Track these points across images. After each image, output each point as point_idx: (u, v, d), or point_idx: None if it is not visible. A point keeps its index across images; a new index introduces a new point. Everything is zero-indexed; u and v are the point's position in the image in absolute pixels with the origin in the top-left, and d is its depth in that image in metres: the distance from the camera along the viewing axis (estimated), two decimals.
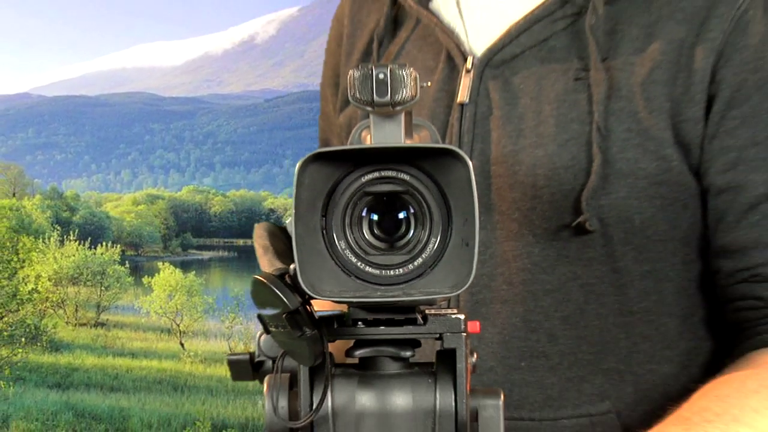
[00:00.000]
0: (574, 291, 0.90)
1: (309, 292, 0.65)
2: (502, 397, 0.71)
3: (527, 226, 0.90)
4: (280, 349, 0.72)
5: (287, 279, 0.67)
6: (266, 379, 0.73)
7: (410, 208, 0.68)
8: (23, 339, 11.03)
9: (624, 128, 0.87)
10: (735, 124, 0.86)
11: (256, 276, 0.67)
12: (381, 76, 0.64)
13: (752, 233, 0.86)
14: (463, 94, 0.93)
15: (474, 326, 0.73)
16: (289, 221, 0.67)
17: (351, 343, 0.72)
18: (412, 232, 0.68)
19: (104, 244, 31.42)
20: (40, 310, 21.39)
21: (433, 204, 0.67)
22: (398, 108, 0.65)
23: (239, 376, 0.78)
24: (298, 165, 0.65)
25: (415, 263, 0.67)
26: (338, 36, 1.11)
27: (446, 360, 0.71)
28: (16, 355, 10.79)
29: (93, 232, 56.15)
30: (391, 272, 0.67)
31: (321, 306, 0.68)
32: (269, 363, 0.76)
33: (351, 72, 0.63)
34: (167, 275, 24.48)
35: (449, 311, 0.72)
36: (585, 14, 0.89)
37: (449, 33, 0.96)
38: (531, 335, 0.91)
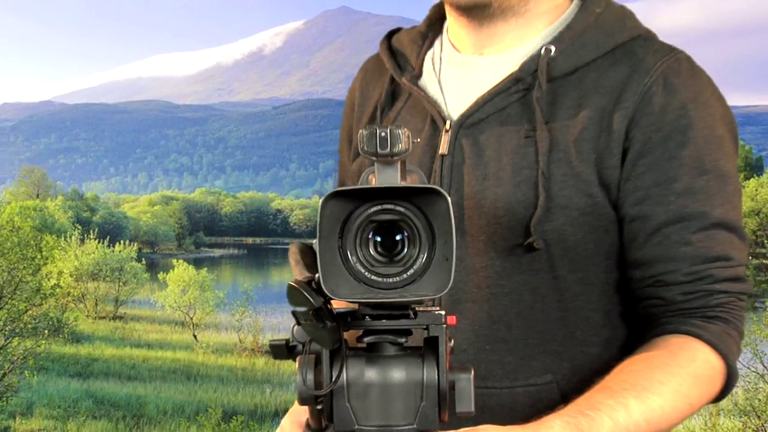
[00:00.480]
0: (525, 293, 1.10)
1: (329, 295, 0.83)
2: (472, 372, 0.88)
3: (491, 245, 1.10)
4: (308, 336, 0.91)
5: (313, 285, 0.84)
6: (298, 358, 0.92)
7: (404, 232, 0.84)
8: (46, 331, 11.02)
9: (561, 173, 1.07)
10: (642, 170, 1.07)
11: (291, 282, 0.84)
12: (383, 134, 0.81)
13: (655, 251, 1.07)
14: (443, 148, 1.14)
15: (452, 320, 0.90)
16: (314, 242, 0.86)
17: (360, 332, 0.89)
18: (405, 250, 0.85)
19: (122, 242, 31.42)
20: (62, 304, 21.39)
21: (422, 229, 0.84)
22: (395, 158, 0.82)
23: (278, 356, 0.96)
24: (321, 200, 0.83)
25: (408, 273, 0.84)
26: (351, 104, 1.33)
27: (431, 345, 0.88)
28: (39, 346, 10.78)
29: (111, 231, 56.14)
30: (390, 280, 0.84)
31: (338, 305, 0.86)
32: (300, 347, 0.94)
33: (360, 131, 0.81)
34: (181, 271, 24.49)
35: (433, 309, 0.89)
36: (533, 89, 1.10)
37: (433, 103, 1.17)
38: (494, 326, 1.11)
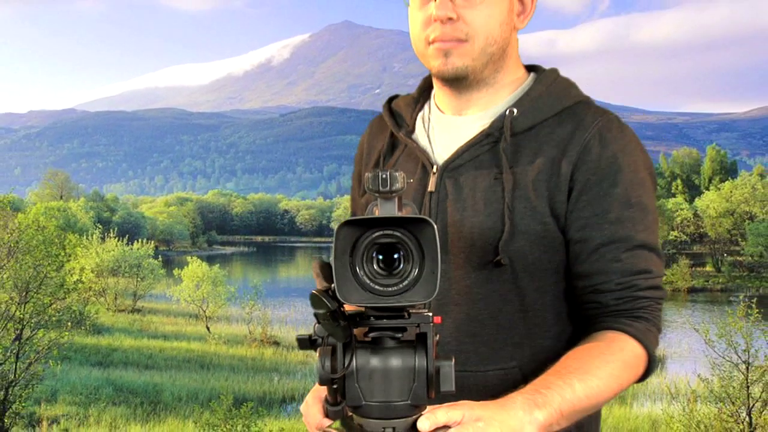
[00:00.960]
0: (495, 299, 1.30)
1: (342, 300, 1.00)
2: (453, 360, 1.05)
3: (468, 261, 1.30)
4: (326, 332, 1.06)
5: (329, 293, 1.02)
6: (318, 349, 1.07)
7: (401, 252, 1.01)
8: (69, 323, 11.00)
9: (522, 206, 1.28)
10: (583, 204, 1.28)
11: (313, 291, 1.02)
12: (384, 176, 1.00)
13: (594, 266, 1.28)
14: (431, 187, 1.35)
15: (437, 319, 1.06)
16: (330, 259, 1.02)
17: (366, 329, 1.07)
18: (401, 265, 1.01)
19: (140, 240, 31.45)
20: (84, 298, 21.34)
21: (414, 249, 1.01)
22: (393, 194, 1.01)
23: (302, 347, 1.09)
24: (337, 227, 1.00)
25: (403, 284, 1.01)
26: (361, 153, 1.53)
27: (421, 339, 1.05)
28: (63, 337, 10.77)
29: (130, 230, 56.14)
30: (390, 289, 1.01)
31: (349, 308, 1.03)
32: (320, 340, 1.07)
33: (367, 174, 1.01)
34: (195, 267, 24.50)
35: (423, 311, 1.05)
36: (500, 142, 1.31)
37: (423, 152, 1.38)
38: (471, 324, 1.31)
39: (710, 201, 52.68)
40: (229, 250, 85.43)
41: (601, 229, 1.27)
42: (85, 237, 29.58)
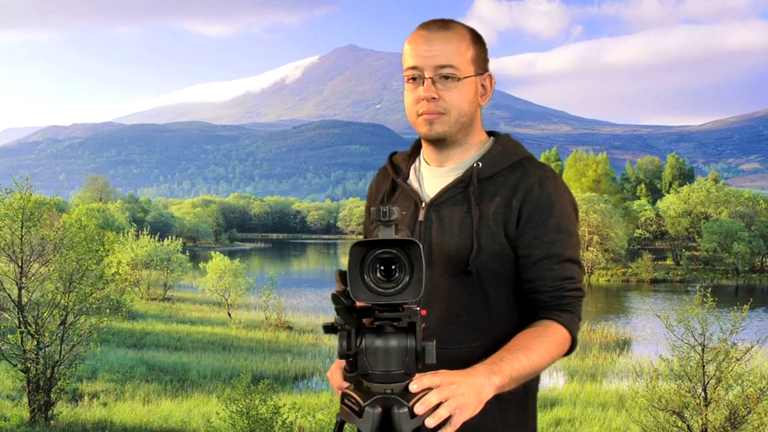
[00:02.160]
0: (466, 298, 1.55)
1: (354, 299, 1.26)
2: (434, 342, 1.29)
3: (447, 271, 1.55)
4: (343, 321, 1.29)
5: (345, 293, 1.27)
6: (338, 333, 1.30)
7: (396, 264, 1.25)
8: (107, 310, 10.98)
9: (485, 232, 1.54)
10: (527, 230, 1.54)
11: (333, 292, 1.29)
12: (384, 210, 1.27)
13: (535, 274, 1.54)
14: (421, 217, 1.61)
15: (424, 312, 1.32)
16: (346, 269, 1.27)
17: (372, 319, 1.29)
18: (397, 274, 1.25)
19: (169, 237, 31.43)
20: (120, 288, 21.37)
21: (406, 262, 1.24)
22: (391, 222, 1.27)
23: (327, 332, 1.32)
24: (351, 246, 1.25)
25: (398, 287, 1.25)
26: (371, 193, 1.81)
27: (411, 326, 1.29)
28: (102, 322, 10.75)
29: (161, 229, 56.09)
30: (388, 291, 1.25)
31: (359, 305, 1.29)
32: (339, 327, 1.30)
33: (372, 208, 1.30)
34: (218, 261, 24.49)
35: (414, 306, 1.29)
36: (469, 186, 1.58)
37: (415, 193, 1.65)
38: (449, 315, 1.56)
39: (670, 203, 52.65)
40: (248, 246, 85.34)
41: (540, 248, 1.53)
42: (121, 234, 29.55)
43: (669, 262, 50.60)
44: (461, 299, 1.55)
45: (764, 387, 7.21)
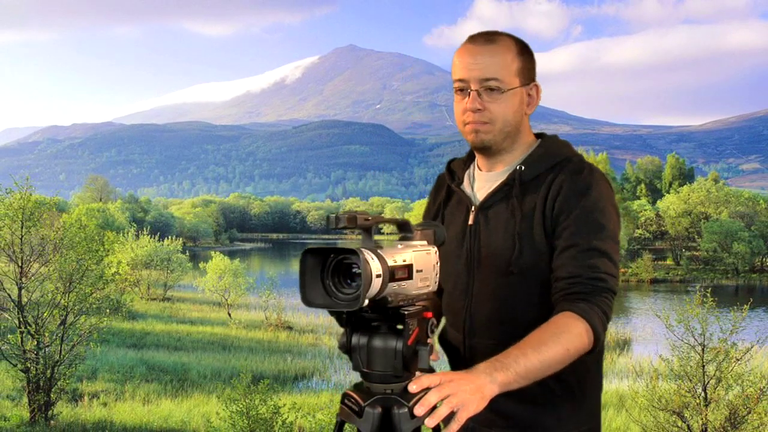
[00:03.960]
0: (512, 297, 1.61)
1: (306, 304, 1.24)
2: (430, 345, 1.32)
3: (493, 270, 1.63)
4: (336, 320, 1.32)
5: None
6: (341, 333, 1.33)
7: (353, 269, 1.23)
8: (107, 310, 10.98)
9: (526, 233, 1.59)
10: (557, 223, 1.57)
11: None
12: (332, 217, 1.24)
13: (558, 262, 1.55)
14: (471, 221, 1.70)
15: (428, 315, 1.33)
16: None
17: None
18: (357, 280, 1.23)
19: (170, 237, 31.43)
20: (120, 288, 21.39)
21: (358, 267, 1.21)
22: (338, 230, 1.26)
23: (341, 325, 1.33)
24: (303, 253, 1.23)
25: (356, 292, 1.21)
26: (431, 198, 1.89)
27: (397, 329, 1.31)
28: (102, 322, 10.75)
29: (161, 229, 56.08)
30: (346, 296, 1.23)
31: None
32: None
33: (328, 215, 1.26)
34: (218, 261, 24.49)
35: (411, 309, 1.30)
36: (513, 189, 1.64)
37: (467, 197, 1.73)
38: (495, 314, 1.63)
39: (670, 203, 52.64)
40: (248, 246, 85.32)
41: (564, 238, 1.55)
42: (121, 234, 29.55)
43: (669, 262, 50.58)
44: (507, 298, 1.62)
45: (764, 387, 7.21)
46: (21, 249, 10.59)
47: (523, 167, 1.66)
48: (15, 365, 10.04)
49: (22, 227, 10.55)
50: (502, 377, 1.34)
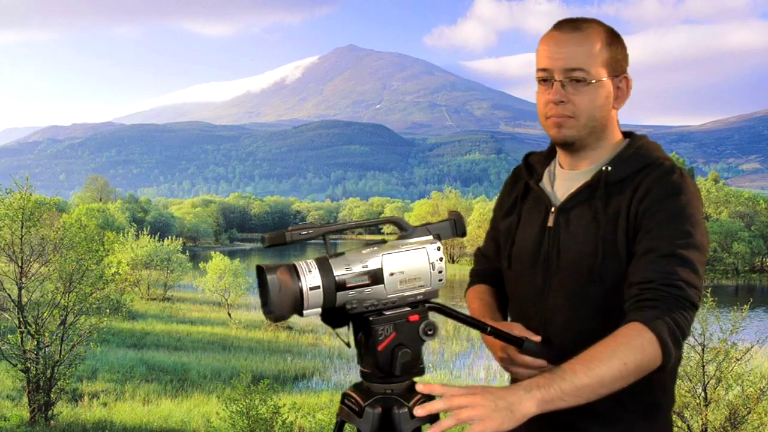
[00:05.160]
0: (592, 305, 1.51)
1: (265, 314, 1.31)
2: (403, 351, 1.26)
3: (573, 277, 1.53)
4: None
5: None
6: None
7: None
8: (107, 310, 10.98)
9: (610, 239, 1.48)
10: (641, 228, 1.45)
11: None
12: (264, 236, 1.30)
13: (633, 268, 1.44)
14: (550, 222, 1.58)
15: (415, 318, 1.27)
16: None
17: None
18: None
19: (170, 237, 31.42)
20: (120, 288, 21.38)
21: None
22: (267, 247, 1.29)
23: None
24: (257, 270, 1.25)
25: (269, 307, 1.23)
26: (504, 193, 1.77)
27: (371, 338, 1.30)
28: (102, 322, 10.75)
29: (161, 229, 56.07)
30: (265, 310, 1.26)
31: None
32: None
33: (263, 235, 1.30)
34: (218, 261, 24.48)
35: (398, 312, 1.28)
36: (597, 190, 1.53)
37: (546, 196, 1.62)
38: (573, 322, 1.53)
39: None
40: (248, 246, 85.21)
41: (643, 243, 1.44)
42: (121, 234, 29.54)
43: None
44: (587, 307, 1.50)
45: (764, 387, 7.21)
46: (21, 249, 10.58)
47: (609, 167, 1.53)
48: (15, 365, 10.04)
49: (22, 227, 10.55)
50: (543, 395, 1.24)
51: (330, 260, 1.24)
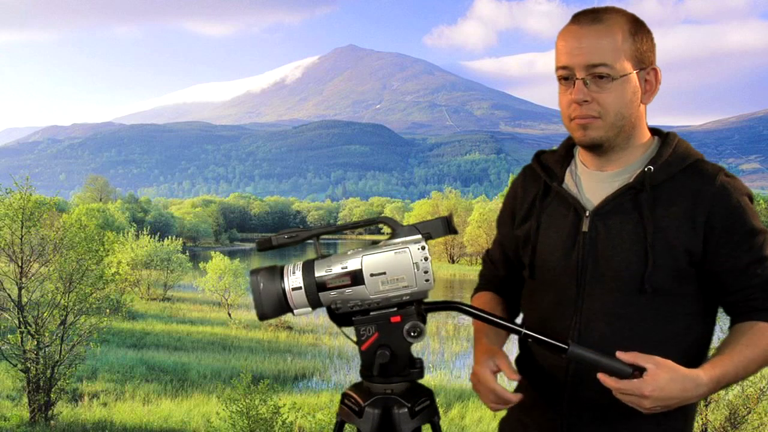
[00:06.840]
0: (636, 317, 1.42)
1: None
2: (382, 352, 1.25)
3: (615, 287, 1.43)
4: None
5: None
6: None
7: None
8: (107, 310, 10.98)
9: (662, 247, 1.39)
10: (724, 242, 1.39)
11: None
12: (258, 239, 1.37)
13: (741, 284, 1.41)
14: (585, 227, 1.46)
15: (397, 319, 1.25)
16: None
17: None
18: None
19: (169, 237, 31.41)
20: (120, 288, 21.38)
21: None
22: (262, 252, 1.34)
23: None
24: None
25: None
26: (515, 194, 1.65)
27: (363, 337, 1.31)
28: (102, 322, 10.75)
29: (161, 228, 56.08)
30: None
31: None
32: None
33: (258, 239, 1.37)
34: (218, 261, 24.47)
35: (387, 313, 1.28)
36: (640, 193, 1.42)
37: (574, 199, 1.49)
38: (614, 335, 1.44)
39: None
40: (248, 246, 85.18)
41: (741, 258, 1.39)
42: (121, 234, 29.53)
43: None
44: (630, 319, 1.41)
45: (764, 387, 7.21)
46: (21, 249, 10.58)
47: (651, 168, 1.43)
48: (15, 365, 10.03)
49: (22, 227, 10.55)
50: (712, 384, 1.35)
51: (315, 262, 1.27)
